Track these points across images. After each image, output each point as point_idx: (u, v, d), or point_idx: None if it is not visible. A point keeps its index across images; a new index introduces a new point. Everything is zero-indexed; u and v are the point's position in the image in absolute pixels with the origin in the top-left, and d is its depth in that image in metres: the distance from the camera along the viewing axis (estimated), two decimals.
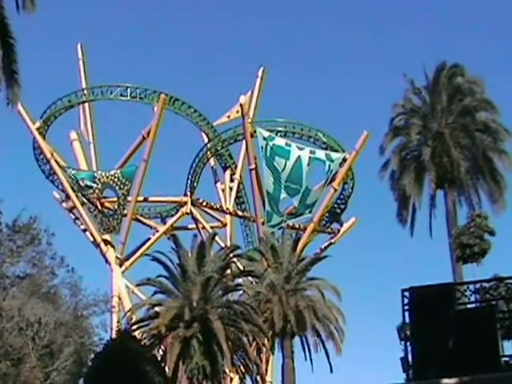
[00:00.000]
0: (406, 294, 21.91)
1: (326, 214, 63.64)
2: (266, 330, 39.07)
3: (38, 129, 63.46)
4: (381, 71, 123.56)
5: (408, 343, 21.80)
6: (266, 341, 39.29)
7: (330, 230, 64.47)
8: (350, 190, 63.36)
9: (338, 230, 64.03)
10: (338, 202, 63.92)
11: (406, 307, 21.84)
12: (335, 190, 61.46)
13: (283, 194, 59.61)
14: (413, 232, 42.71)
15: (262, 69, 69.76)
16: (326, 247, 63.16)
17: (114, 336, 36.05)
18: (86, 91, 65.17)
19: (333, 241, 63.63)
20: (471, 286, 22.60)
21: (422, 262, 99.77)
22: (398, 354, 24.45)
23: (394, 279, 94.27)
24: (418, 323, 21.33)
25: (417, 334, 21.32)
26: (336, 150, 61.74)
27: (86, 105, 66.42)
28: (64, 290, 52.69)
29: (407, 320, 21.88)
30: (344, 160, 60.92)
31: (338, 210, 64.07)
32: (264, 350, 40.57)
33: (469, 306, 22.26)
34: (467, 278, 32.03)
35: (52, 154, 63.59)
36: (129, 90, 63.26)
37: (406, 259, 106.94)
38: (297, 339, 42.56)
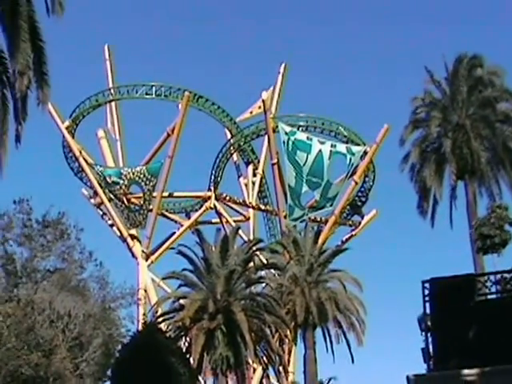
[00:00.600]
0: (427, 285, 21.68)
1: (347, 207, 63.22)
2: (288, 321, 38.90)
3: (67, 128, 63.93)
4: (401, 65, 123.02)
5: (429, 334, 21.58)
6: (288, 332, 39.09)
7: (351, 222, 64.03)
8: (371, 183, 62.91)
9: (359, 223, 63.61)
10: (359, 194, 63.44)
11: (427, 298, 21.60)
12: (356, 183, 61.06)
13: (305, 188, 59.31)
14: (433, 223, 42.19)
15: (283, 65, 69.73)
16: (347, 239, 62.84)
17: (140, 328, 36.26)
18: (112, 91, 65.54)
19: (354, 233, 63.25)
20: (492, 277, 22.22)
21: (442, 254, 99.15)
22: (419, 345, 24.18)
23: (414, 271, 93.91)
24: (439, 314, 21.08)
25: (437, 324, 21.08)
26: (357, 144, 61.34)
27: (113, 104, 66.81)
28: (92, 284, 53.06)
29: (428, 311, 21.63)
30: (365, 153, 60.45)
31: (359, 203, 63.58)
32: (286, 341, 40.54)
33: (489, 296, 21.89)
34: (488, 268, 31.49)
35: (80, 152, 64.01)
36: (154, 88, 63.40)
37: (426, 251, 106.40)
38: (318, 330, 42.34)
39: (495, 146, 40.14)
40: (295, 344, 44.05)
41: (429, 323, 21.76)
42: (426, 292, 21.72)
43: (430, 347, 21.27)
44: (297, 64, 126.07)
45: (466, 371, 18.11)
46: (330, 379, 51.52)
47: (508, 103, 41.45)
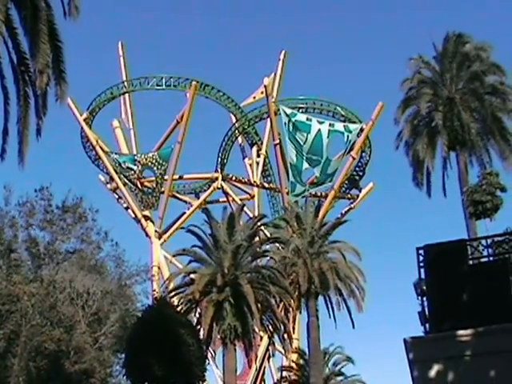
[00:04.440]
0: (421, 251, 20.99)
1: (346, 182, 63.01)
2: (292, 291, 38.56)
3: (84, 119, 64.21)
4: (393, 46, 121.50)
5: (424, 298, 20.89)
6: (292, 301, 38.76)
7: (349, 196, 63.84)
8: (368, 158, 62.55)
9: (357, 196, 63.36)
10: (357, 169, 63.15)
11: (422, 264, 20.93)
12: (354, 159, 60.58)
13: (305, 165, 59.06)
14: (430, 194, 41.56)
15: (283, 52, 69.64)
16: (346, 212, 62.62)
17: (152, 303, 35.91)
18: (126, 83, 65.74)
19: (352, 206, 63.00)
20: (483, 241, 21.31)
21: (437, 222, 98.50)
22: (416, 309, 23.52)
23: (410, 239, 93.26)
24: (433, 279, 20.32)
25: (432, 289, 20.30)
26: (354, 122, 60.87)
27: (127, 95, 66.90)
28: (109, 263, 52.58)
29: (423, 276, 20.99)
30: (361, 130, 59.91)
31: (357, 177, 63.33)
32: (290, 309, 40.11)
33: (482, 260, 20.99)
34: (481, 233, 30.55)
35: (97, 141, 64.25)
36: (163, 79, 63.47)
37: (421, 220, 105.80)
38: (321, 299, 41.97)
39: (484, 117, 39.44)
40: (299, 312, 43.60)
41: (424, 288, 21.05)
42: (421, 258, 21.01)
43: (426, 311, 20.56)
44: (295, 49, 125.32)
45: (460, 332, 17.29)
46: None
47: (496, 76, 40.54)
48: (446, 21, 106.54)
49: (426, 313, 20.37)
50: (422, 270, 20.71)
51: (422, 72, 42.72)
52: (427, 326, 20.31)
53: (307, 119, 59.72)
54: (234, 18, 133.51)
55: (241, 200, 61.90)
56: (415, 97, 42.16)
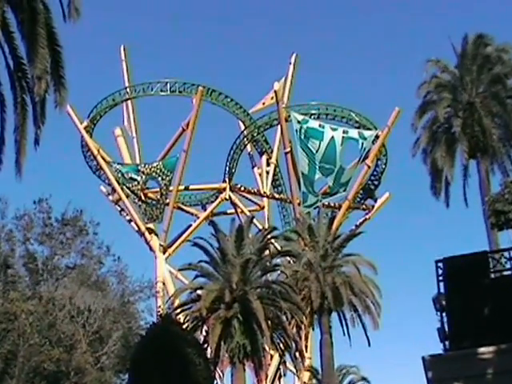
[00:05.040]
0: (440, 264, 21.09)
1: (360, 191, 62.75)
2: (304, 307, 38.47)
3: (85, 128, 64.11)
4: (409, 50, 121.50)
5: (444, 314, 20.88)
6: (304, 318, 38.59)
7: (364, 206, 63.61)
8: (383, 166, 62.36)
9: (373, 206, 63.15)
10: (372, 178, 62.97)
11: (441, 278, 20.96)
12: (369, 167, 60.40)
13: (318, 175, 58.91)
14: (448, 203, 41.42)
15: (294, 55, 69.56)
16: (361, 223, 62.37)
17: (156, 320, 35.96)
18: (128, 89, 65.65)
19: (368, 217, 62.82)
20: (506, 253, 21.28)
21: (457, 233, 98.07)
22: (435, 325, 23.44)
23: (429, 251, 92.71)
24: (453, 293, 20.35)
25: (452, 304, 20.31)
26: (368, 128, 60.79)
27: (129, 102, 66.92)
28: (111, 278, 52.75)
29: (442, 291, 20.97)
30: (376, 137, 59.85)
31: (372, 187, 63.13)
32: (302, 327, 39.84)
33: (504, 273, 20.93)
34: (503, 245, 30.44)
35: (98, 151, 64.20)
36: (168, 85, 63.42)
37: (440, 231, 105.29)
38: (334, 315, 41.82)
39: (507, 122, 39.34)
40: (312, 329, 43.54)
41: (443, 303, 21.01)
42: (440, 272, 21.09)
43: (446, 327, 20.52)
44: (307, 53, 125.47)
45: (482, 349, 17.24)
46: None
47: None
48: (465, 22, 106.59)
49: (446, 329, 20.35)
50: (442, 284, 20.73)
51: (440, 75, 42.68)
52: (447, 343, 20.27)
53: (320, 126, 59.59)
54: (241, 21, 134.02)
55: (250, 211, 61.89)
56: (433, 102, 42.10)
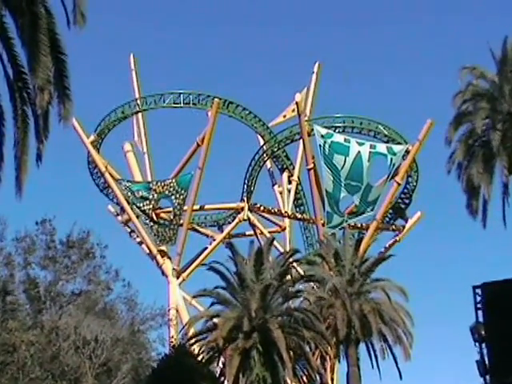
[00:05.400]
0: (478, 291, 20.89)
1: (390, 211, 62.78)
2: (329, 336, 38.35)
3: (92, 142, 64.31)
4: (441, 59, 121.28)
5: (483, 345, 20.61)
6: (329, 348, 38.60)
7: (394, 226, 63.57)
8: (415, 184, 62.24)
9: (403, 227, 63.05)
10: (402, 196, 62.91)
11: (479, 305, 20.73)
12: (398, 185, 60.32)
13: (343, 193, 58.93)
14: (485, 224, 40.93)
15: (317, 64, 69.91)
16: (390, 245, 62.20)
17: (169, 352, 35.95)
18: (139, 101, 65.76)
19: (398, 238, 62.65)
20: None
21: (496, 256, 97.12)
22: (474, 357, 23.10)
23: (466, 276, 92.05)
24: (494, 322, 20.12)
25: (493, 334, 20.05)
26: (398, 143, 60.77)
27: (140, 115, 67.15)
28: (120, 305, 52.47)
29: (481, 319, 20.72)
30: (407, 152, 59.82)
31: (403, 205, 63.09)
32: (328, 358, 40.21)
33: None
34: None
35: (106, 167, 64.41)
36: (182, 96, 63.53)
37: (477, 254, 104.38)
38: (362, 346, 41.86)
39: None
40: (338, 361, 43.49)
41: (482, 332, 20.72)
42: (478, 298, 20.87)
43: (486, 359, 20.22)
44: (331, 62, 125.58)
45: None
46: None
47: None
48: (505, 27, 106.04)
49: (486, 362, 20.16)
50: (480, 312, 20.59)
51: (478, 83, 42.38)
52: (487, 377, 20.09)
53: (345, 140, 59.58)
54: (259, 28, 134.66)
55: (270, 233, 61.73)
56: (469, 112, 41.74)
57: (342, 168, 58.66)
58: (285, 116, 65.86)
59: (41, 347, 44.29)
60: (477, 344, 21.43)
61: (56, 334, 46.36)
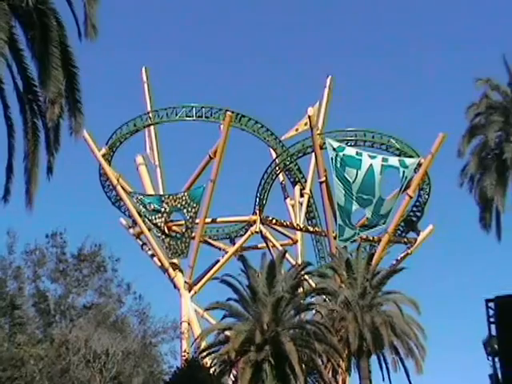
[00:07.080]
0: (491, 304, 20.63)
1: (402, 224, 62.52)
2: (341, 349, 38.26)
3: (103, 155, 64.31)
4: (453, 69, 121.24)
5: (496, 359, 20.34)
6: (341, 361, 38.51)
7: (406, 239, 63.33)
8: (427, 196, 62.03)
9: (415, 240, 62.84)
10: (414, 209, 62.73)
11: (492, 319, 20.50)
12: (410, 198, 60.06)
13: (355, 206, 58.71)
14: (499, 236, 40.69)
15: (329, 78, 69.99)
16: (402, 258, 61.96)
17: (181, 365, 35.94)
18: (151, 114, 65.75)
19: (409, 251, 62.41)
20: None
21: (509, 269, 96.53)
22: (487, 371, 22.90)
23: (479, 289, 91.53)
24: (507, 336, 19.76)
25: (506, 348, 19.74)
26: (410, 156, 60.60)
27: (152, 128, 67.14)
28: (132, 318, 52.61)
29: (494, 333, 20.49)
30: (419, 165, 59.61)
31: (414, 218, 62.88)
32: (340, 371, 39.89)
33: None
34: None
35: (118, 180, 64.27)
36: (194, 109, 63.44)
37: (490, 267, 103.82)
38: (374, 358, 41.69)
39: None
40: (349, 374, 43.20)
41: (496, 346, 20.49)
42: (491, 312, 20.63)
43: (499, 373, 19.99)
44: (343, 76, 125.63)
45: None
46: None
47: None
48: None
49: (499, 376, 19.94)
50: (493, 326, 20.35)
51: (491, 96, 42.18)
52: None
53: (357, 153, 59.57)
54: (272, 42, 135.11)
55: (282, 246, 61.65)
56: (483, 125, 41.58)
57: (353, 181, 58.57)
58: (297, 129, 65.90)
59: (50, 361, 44.30)
60: (490, 358, 21.17)
61: (66, 348, 46.33)
